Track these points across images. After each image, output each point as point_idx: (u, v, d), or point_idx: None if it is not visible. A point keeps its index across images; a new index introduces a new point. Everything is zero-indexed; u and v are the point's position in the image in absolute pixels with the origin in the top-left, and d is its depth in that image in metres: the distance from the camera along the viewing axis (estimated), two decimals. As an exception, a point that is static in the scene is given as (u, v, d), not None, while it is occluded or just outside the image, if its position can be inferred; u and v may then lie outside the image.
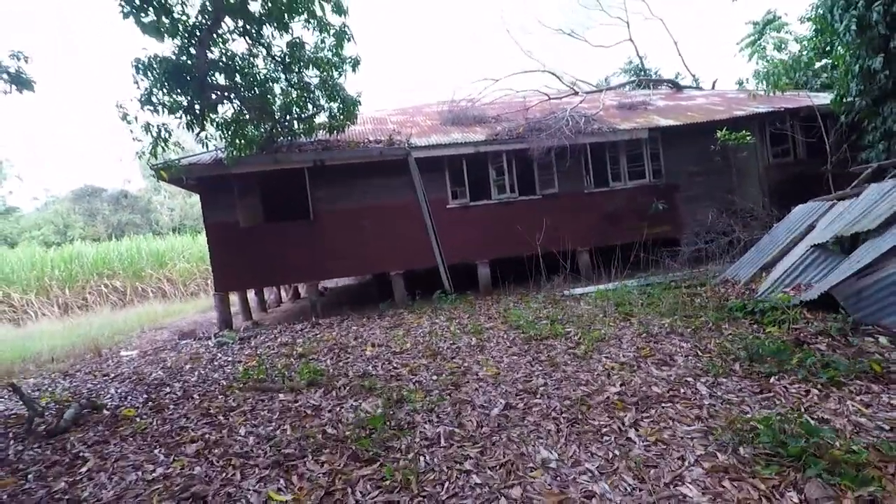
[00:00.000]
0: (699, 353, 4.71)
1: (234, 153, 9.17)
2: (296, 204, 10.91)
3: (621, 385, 4.08)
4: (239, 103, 9.01)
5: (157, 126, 8.22)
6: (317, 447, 3.55)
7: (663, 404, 3.62)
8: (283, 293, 14.87)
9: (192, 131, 8.42)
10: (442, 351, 5.90)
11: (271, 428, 4.05)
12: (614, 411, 3.62)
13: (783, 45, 21.38)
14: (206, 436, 4.03)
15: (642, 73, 18.04)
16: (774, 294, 6.32)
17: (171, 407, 4.91)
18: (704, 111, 12.33)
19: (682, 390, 3.85)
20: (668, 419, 3.40)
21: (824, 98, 12.23)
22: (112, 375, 6.85)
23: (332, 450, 3.48)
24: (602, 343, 5.40)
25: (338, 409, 4.35)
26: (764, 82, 15.28)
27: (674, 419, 3.40)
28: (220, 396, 5.06)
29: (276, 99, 9.47)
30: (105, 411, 5.02)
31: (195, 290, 20.79)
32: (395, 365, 5.55)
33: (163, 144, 8.30)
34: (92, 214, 36.47)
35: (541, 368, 4.78)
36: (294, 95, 9.58)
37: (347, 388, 4.88)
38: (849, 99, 10.37)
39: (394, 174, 10.24)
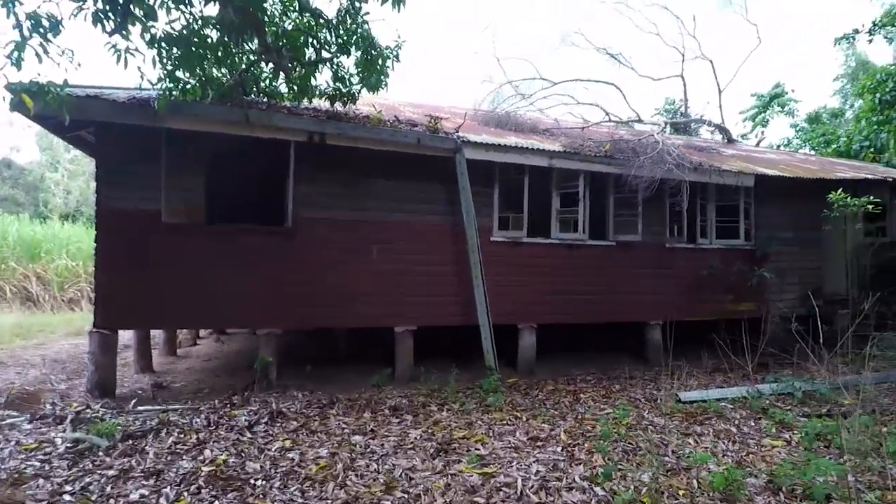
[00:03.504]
0: None
1: (176, 94, 5.22)
2: (264, 199, 6.95)
3: None
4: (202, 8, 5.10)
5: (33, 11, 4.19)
6: None
7: None
8: (204, 324, 10.38)
9: (103, 28, 4.39)
10: None
11: None
12: None
13: (793, 115, 20.62)
14: None
15: (682, 116, 15.86)
16: None
17: None
18: (799, 168, 9.89)
19: None
20: None
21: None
22: None
23: None
24: None
25: None
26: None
27: None
28: None
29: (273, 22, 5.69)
30: None
31: (75, 296, 15.37)
32: None
33: (41, 46, 4.24)
34: (-37, 183, 28.93)
35: None
36: (304, 21, 5.88)
37: None
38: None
39: (426, 178, 6.66)
